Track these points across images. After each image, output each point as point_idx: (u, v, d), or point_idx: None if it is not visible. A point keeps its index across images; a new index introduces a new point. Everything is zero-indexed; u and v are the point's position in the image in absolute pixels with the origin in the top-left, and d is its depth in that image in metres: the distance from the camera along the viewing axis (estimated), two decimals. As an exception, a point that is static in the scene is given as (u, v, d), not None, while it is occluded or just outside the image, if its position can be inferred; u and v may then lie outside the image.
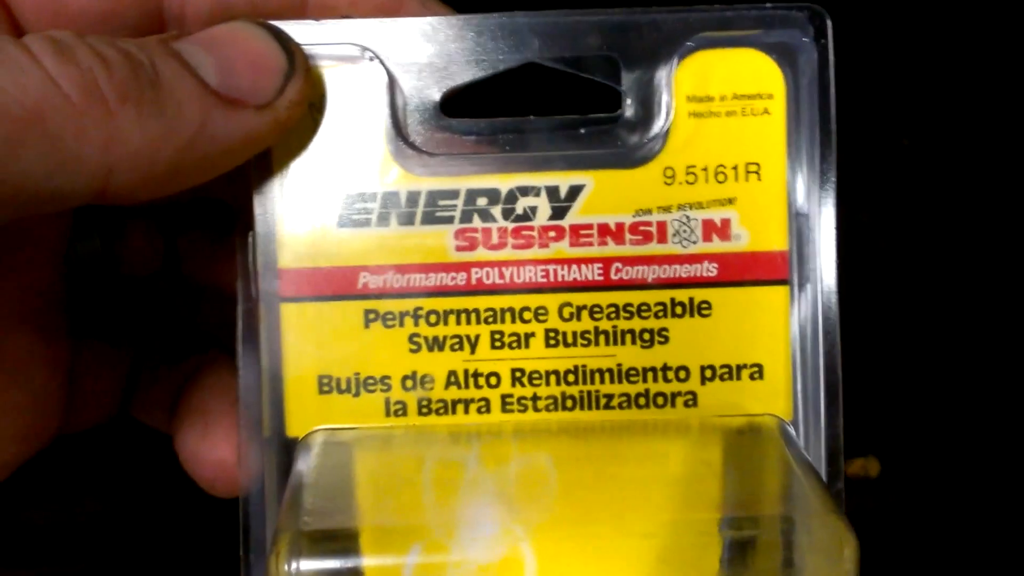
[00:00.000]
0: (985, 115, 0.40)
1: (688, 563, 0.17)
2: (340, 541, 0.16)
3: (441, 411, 0.19)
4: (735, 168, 0.19)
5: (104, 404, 0.23)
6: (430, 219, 0.19)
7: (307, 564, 0.16)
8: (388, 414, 0.19)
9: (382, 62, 0.19)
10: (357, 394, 0.19)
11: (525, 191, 0.19)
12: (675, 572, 0.19)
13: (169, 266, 0.23)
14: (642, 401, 0.19)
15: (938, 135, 0.41)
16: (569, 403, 0.19)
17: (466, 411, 0.19)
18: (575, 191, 0.19)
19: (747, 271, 0.19)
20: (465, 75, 0.19)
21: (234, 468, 0.20)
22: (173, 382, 0.22)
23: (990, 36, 0.39)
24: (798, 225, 0.19)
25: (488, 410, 0.19)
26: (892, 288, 0.40)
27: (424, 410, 0.19)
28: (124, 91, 0.16)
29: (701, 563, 0.17)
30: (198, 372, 0.22)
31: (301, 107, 0.18)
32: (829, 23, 0.19)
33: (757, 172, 0.19)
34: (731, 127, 0.19)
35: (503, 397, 0.19)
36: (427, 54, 0.19)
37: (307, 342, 0.19)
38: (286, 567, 0.16)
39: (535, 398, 0.19)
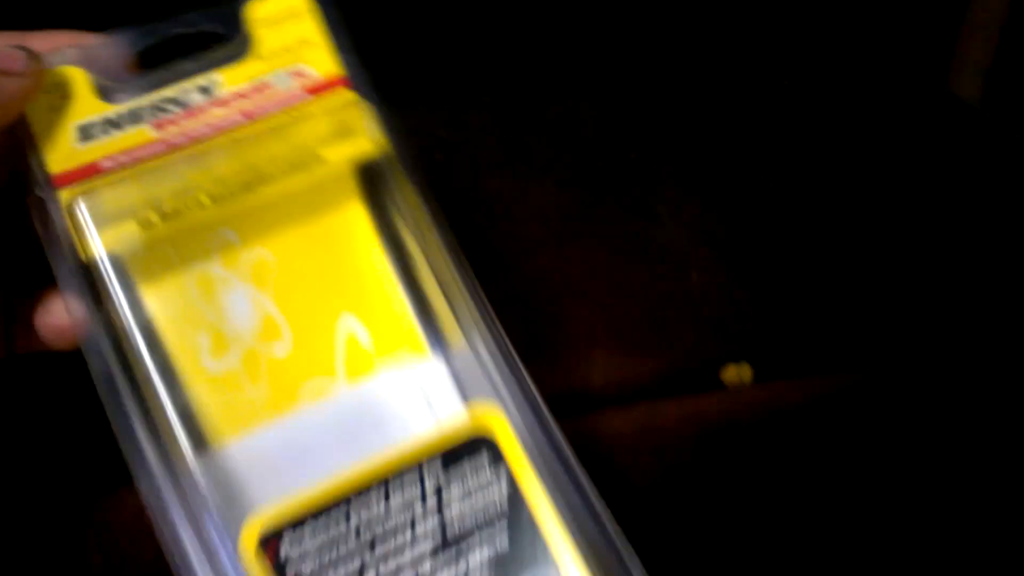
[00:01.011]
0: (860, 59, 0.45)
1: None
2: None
3: (173, 216, 0.31)
4: (302, 44, 0.33)
5: None
6: (135, 121, 0.32)
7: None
8: (143, 227, 0.31)
9: (88, 58, 0.32)
10: (121, 221, 0.31)
11: (187, 91, 0.32)
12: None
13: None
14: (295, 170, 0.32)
15: (819, 76, 0.44)
16: (248, 187, 0.32)
17: (188, 209, 0.31)
18: (216, 82, 0.33)
19: (326, 89, 0.33)
20: (136, 50, 0.33)
21: (67, 325, 0.31)
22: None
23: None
24: (336, 60, 0.33)
25: (201, 206, 0.31)
26: (771, 207, 0.44)
27: (164, 218, 0.31)
28: None
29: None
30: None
31: (42, 76, 0.31)
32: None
33: (314, 43, 0.33)
34: (292, 27, 0.33)
35: (209, 195, 0.31)
36: (112, 49, 0.33)
37: (78, 202, 0.31)
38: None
39: (228, 192, 0.31)
